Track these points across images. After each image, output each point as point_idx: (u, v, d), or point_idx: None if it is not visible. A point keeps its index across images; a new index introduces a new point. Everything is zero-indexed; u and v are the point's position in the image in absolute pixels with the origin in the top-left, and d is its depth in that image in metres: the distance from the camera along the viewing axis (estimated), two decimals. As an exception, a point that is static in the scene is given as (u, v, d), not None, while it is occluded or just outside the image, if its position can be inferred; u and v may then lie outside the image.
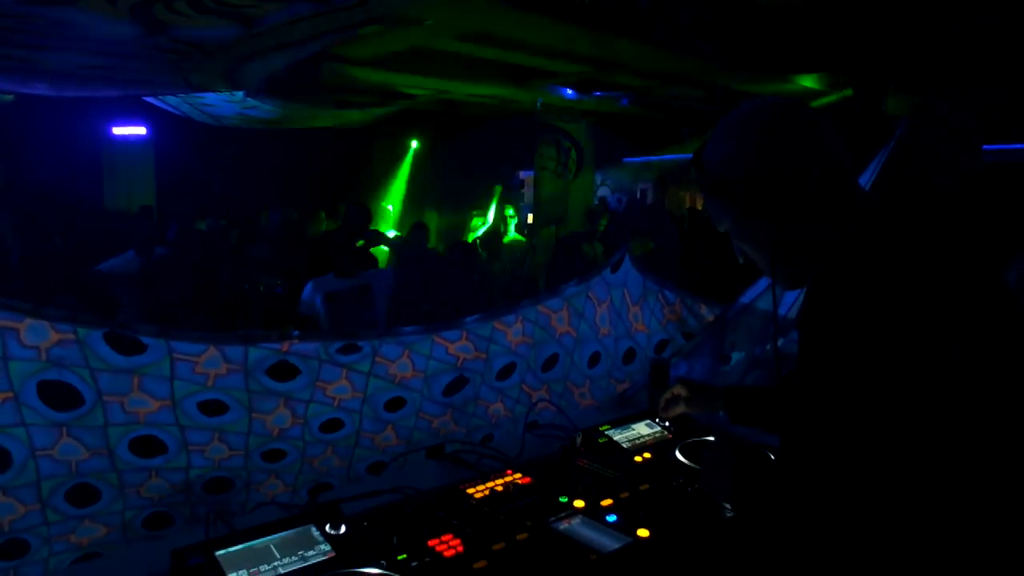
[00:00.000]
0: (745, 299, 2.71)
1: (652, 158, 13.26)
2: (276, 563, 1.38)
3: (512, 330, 2.42)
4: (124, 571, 1.55)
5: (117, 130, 9.26)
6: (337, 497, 1.92)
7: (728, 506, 1.65)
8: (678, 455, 2.01)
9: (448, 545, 1.48)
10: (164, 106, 6.47)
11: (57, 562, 1.80)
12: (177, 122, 7.65)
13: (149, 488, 1.89)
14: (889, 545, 1.06)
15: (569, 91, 8.12)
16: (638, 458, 2.00)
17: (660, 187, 8.43)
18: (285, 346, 1.94)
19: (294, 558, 1.40)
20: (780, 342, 1.24)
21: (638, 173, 15.27)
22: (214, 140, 8.40)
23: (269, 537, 1.45)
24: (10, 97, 6.90)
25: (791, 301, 2.50)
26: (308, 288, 4.27)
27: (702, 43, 5.31)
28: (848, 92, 7.06)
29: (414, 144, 9.32)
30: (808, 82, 7.32)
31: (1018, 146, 9.45)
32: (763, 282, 2.68)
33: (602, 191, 14.79)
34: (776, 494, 1.25)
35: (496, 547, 1.48)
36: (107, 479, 1.81)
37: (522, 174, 14.06)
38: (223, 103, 5.67)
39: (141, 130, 9.23)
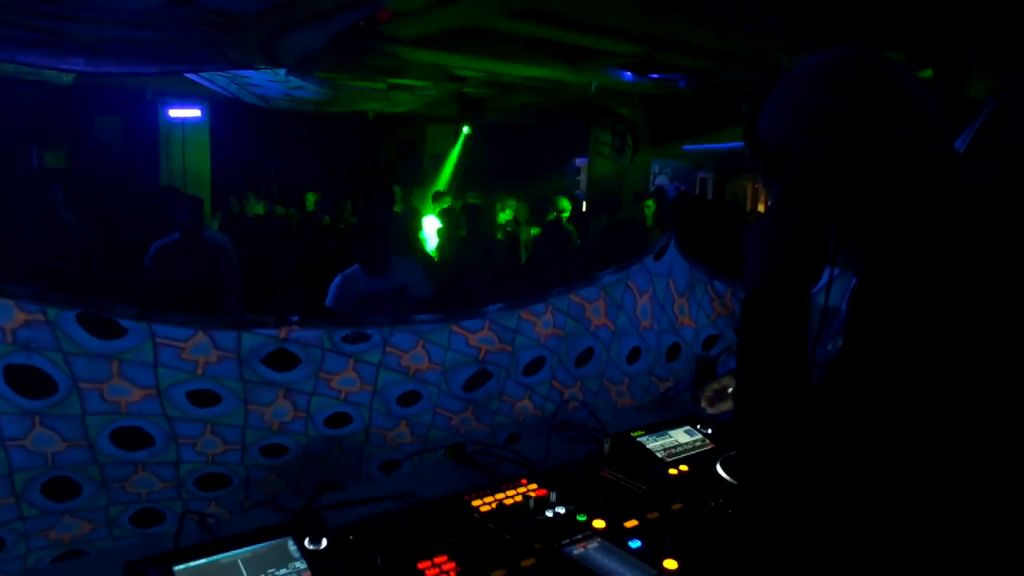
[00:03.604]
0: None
1: (712, 146, 12.74)
2: (241, 582, 1.20)
3: (541, 321, 2.20)
4: (111, 569, 1.41)
5: (173, 112, 9.35)
6: (342, 499, 1.75)
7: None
8: (719, 470, 1.75)
9: (440, 569, 1.28)
10: (214, 87, 6.45)
11: (36, 559, 1.68)
12: (229, 104, 7.65)
13: (135, 483, 1.75)
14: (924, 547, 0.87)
15: (625, 73, 7.78)
16: (673, 471, 1.75)
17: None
18: (283, 332, 1.77)
19: (262, 577, 1.22)
20: (840, 341, 1.00)
21: (698, 162, 14.74)
22: (266, 123, 8.40)
23: (238, 551, 1.28)
24: (69, 78, 6.91)
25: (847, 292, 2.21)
26: (336, 284, 4.03)
27: (767, 15, 4.94)
28: (928, 73, 6.52)
29: (465, 129, 9.15)
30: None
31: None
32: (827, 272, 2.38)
33: (660, 180, 14.32)
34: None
35: (496, 574, 1.27)
36: (88, 472, 1.67)
37: (577, 160, 13.71)
38: (268, 83, 5.58)
39: (196, 112, 9.29)
